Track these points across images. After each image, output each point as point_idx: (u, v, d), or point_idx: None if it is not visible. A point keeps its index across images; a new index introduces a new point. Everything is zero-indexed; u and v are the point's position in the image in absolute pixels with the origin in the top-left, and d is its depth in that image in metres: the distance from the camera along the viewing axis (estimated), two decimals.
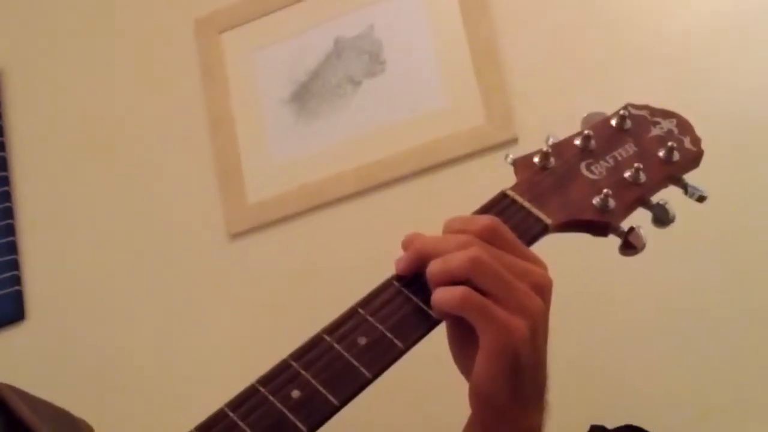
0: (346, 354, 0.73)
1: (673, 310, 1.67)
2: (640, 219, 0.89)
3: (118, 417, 1.91)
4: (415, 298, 0.77)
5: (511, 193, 0.86)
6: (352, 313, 0.76)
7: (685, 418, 1.60)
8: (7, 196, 2.09)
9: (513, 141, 1.77)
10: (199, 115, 2.04)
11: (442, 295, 0.75)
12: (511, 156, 0.90)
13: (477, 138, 1.82)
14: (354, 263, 1.76)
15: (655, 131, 0.94)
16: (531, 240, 0.83)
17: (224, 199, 1.97)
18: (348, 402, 0.71)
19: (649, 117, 0.95)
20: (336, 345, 0.74)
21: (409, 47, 1.94)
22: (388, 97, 1.92)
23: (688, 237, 1.68)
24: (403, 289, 0.77)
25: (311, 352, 0.74)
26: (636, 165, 0.89)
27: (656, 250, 1.69)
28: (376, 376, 0.73)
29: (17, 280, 2.03)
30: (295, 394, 0.71)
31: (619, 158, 0.91)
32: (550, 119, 0.97)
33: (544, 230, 0.84)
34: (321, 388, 0.71)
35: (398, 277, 0.78)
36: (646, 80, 1.75)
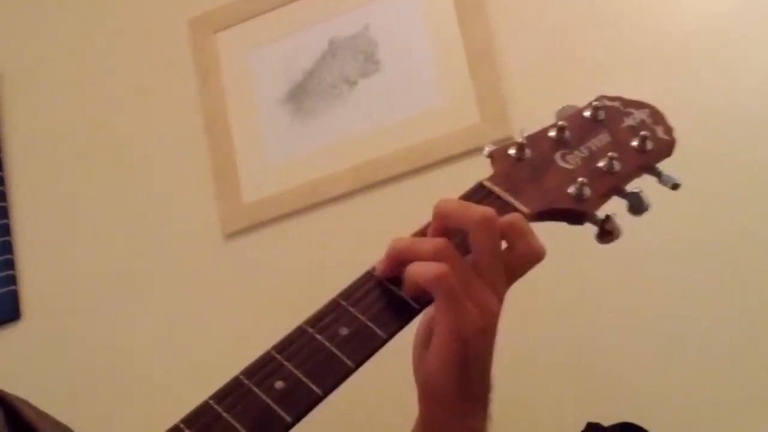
0: (328, 344, 0.74)
1: (668, 309, 1.67)
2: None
3: (114, 416, 1.91)
4: (395, 289, 0.78)
5: (488, 183, 0.88)
6: (333, 304, 0.77)
7: (681, 415, 1.61)
8: (2, 196, 2.09)
9: (508, 140, 1.77)
10: (194, 114, 2.04)
11: (419, 267, 0.76)
12: (487, 148, 0.92)
13: (472, 137, 1.82)
14: (349, 262, 1.76)
15: (628, 121, 0.95)
16: None
17: (219, 198, 1.97)
18: (331, 391, 0.72)
19: (621, 108, 0.97)
20: (318, 336, 0.75)
21: (405, 47, 1.95)
22: (384, 96, 1.93)
23: (682, 236, 1.69)
24: (383, 280, 0.78)
25: (294, 343, 0.74)
26: (610, 154, 0.90)
27: (651, 249, 1.70)
28: (358, 365, 0.74)
29: (13, 280, 2.03)
30: (279, 385, 0.72)
31: (594, 148, 0.92)
32: (545, 118, 0.98)
33: None
34: (304, 379, 0.72)
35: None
36: (641, 79, 1.75)
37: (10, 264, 2.04)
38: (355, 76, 1.96)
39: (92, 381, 1.94)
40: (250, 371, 0.73)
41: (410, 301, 0.77)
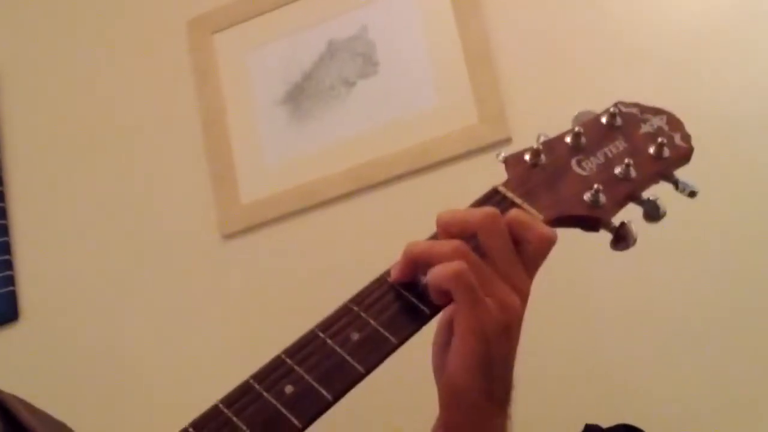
0: (339, 349, 0.74)
1: (668, 312, 1.67)
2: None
3: (112, 417, 1.91)
4: (407, 294, 0.78)
5: (502, 189, 0.87)
6: (345, 309, 0.77)
7: (680, 417, 1.61)
8: (1, 197, 2.09)
9: (506, 141, 1.78)
10: (192, 115, 2.04)
11: (438, 269, 0.76)
12: (502, 154, 0.91)
13: (470, 138, 1.82)
14: (347, 263, 1.77)
15: (646, 128, 0.95)
16: None
17: (217, 199, 1.97)
18: (341, 397, 0.72)
19: (639, 114, 0.96)
20: (329, 341, 0.74)
21: (402, 48, 1.95)
22: (382, 97, 1.93)
23: (680, 237, 1.68)
24: (396, 285, 0.78)
25: (305, 348, 0.74)
26: (626, 161, 0.90)
27: (650, 250, 1.70)
28: (369, 370, 0.73)
29: (11, 281, 2.03)
30: (289, 389, 0.71)
31: (610, 155, 0.92)
32: (543, 119, 0.98)
33: None
34: (315, 384, 0.72)
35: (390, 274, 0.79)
36: (639, 79, 1.76)
37: (9, 264, 2.04)
38: (353, 78, 1.96)
39: (90, 381, 1.94)
40: (260, 375, 0.73)
41: (422, 306, 0.77)
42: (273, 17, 2.05)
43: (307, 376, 0.72)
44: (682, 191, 0.92)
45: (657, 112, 0.97)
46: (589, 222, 0.88)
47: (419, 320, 0.77)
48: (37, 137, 2.16)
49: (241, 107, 2.02)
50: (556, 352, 1.69)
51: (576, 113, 0.96)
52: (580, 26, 1.86)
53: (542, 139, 0.92)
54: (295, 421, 0.70)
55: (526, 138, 0.93)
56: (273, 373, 0.73)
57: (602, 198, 0.87)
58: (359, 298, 0.78)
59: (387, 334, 0.75)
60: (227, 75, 2.05)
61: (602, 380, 1.67)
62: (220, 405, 0.71)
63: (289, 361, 0.73)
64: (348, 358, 0.73)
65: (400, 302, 0.77)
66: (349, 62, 1.97)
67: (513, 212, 0.82)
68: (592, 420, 1.53)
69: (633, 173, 0.90)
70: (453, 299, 0.77)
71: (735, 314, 1.63)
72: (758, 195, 1.69)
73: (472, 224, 0.79)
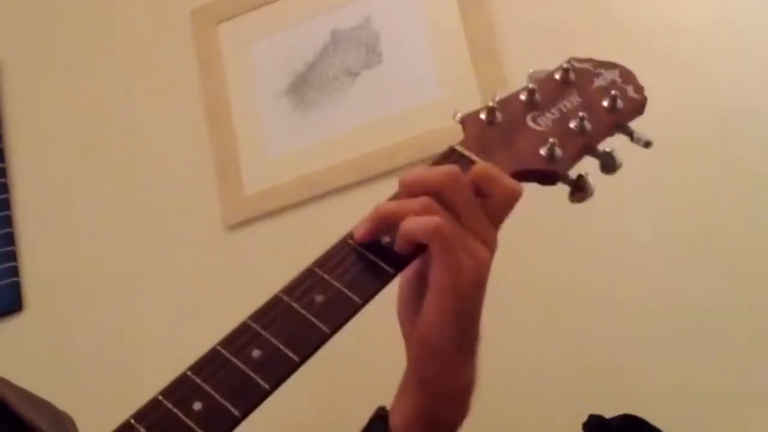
0: (304, 312, 0.75)
1: (670, 304, 1.67)
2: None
3: (116, 407, 1.91)
4: (370, 255, 0.79)
5: (459, 148, 0.89)
6: (308, 272, 0.79)
7: (683, 408, 1.61)
8: (4, 188, 2.09)
9: None
10: (195, 106, 2.04)
11: (415, 221, 0.77)
12: (459, 114, 0.92)
13: None
14: None
15: (599, 82, 0.97)
16: None
17: (221, 190, 1.97)
18: (308, 358, 0.73)
19: (592, 69, 0.98)
20: (294, 304, 0.76)
21: (406, 39, 1.94)
22: (386, 88, 1.92)
23: (683, 230, 1.69)
24: (358, 247, 0.80)
25: (270, 312, 0.76)
26: (581, 114, 0.91)
27: (652, 243, 1.70)
28: (334, 331, 0.75)
29: (15, 271, 2.03)
30: (256, 353, 0.73)
31: (564, 109, 0.93)
32: None
33: None
34: (281, 346, 0.73)
35: (352, 236, 0.81)
36: (643, 71, 1.74)
37: (12, 256, 2.04)
38: (356, 68, 1.96)
39: (94, 372, 1.94)
40: (227, 341, 0.74)
41: (385, 266, 0.78)
42: (277, 8, 2.04)
43: (273, 340, 0.73)
44: (638, 142, 0.93)
45: (610, 65, 0.99)
46: (546, 175, 0.89)
47: (382, 279, 0.78)
48: (41, 129, 2.16)
49: (245, 98, 2.02)
50: (559, 343, 1.69)
51: (531, 70, 0.97)
52: (585, 18, 1.85)
53: (497, 97, 0.94)
54: (264, 384, 0.71)
55: None
56: (240, 338, 0.74)
57: (558, 151, 0.89)
58: (322, 261, 0.79)
59: (350, 294, 0.76)
60: (231, 65, 2.04)
61: (606, 371, 1.67)
62: (189, 372, 0.73)
63: (254, 325, 0.75)
64: (313, 319, 0.75)
65: (362, 263, 0.79)
66: (352, 53, 1.97)
67: (478, 165, 0.83)
68: (596, 410, 1.53)
69: (588, 126, 0.91)
70: (419, 253, 0.78)
71: (737, 308, 1.63)
72: (762, 191, 1.69)
73: (435, 182, 0.80)
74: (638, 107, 0.96)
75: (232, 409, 0.69)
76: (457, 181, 0.80)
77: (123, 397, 1.93)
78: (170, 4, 2.14)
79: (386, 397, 0.91)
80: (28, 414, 0.94)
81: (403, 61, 1.93)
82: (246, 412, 0.70)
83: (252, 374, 0.71)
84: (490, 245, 0.80)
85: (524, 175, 0.88)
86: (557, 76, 0.96)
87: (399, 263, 0.79)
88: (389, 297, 0.82)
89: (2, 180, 2.10)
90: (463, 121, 0.93)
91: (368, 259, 0.79)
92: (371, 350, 1.64)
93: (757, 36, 1.75)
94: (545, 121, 0.92)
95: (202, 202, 1.98)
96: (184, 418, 0.70)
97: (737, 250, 1.67)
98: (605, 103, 0.94)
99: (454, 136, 1.87)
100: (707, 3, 1.80)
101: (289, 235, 1.92)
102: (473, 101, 1.83)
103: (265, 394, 0.71)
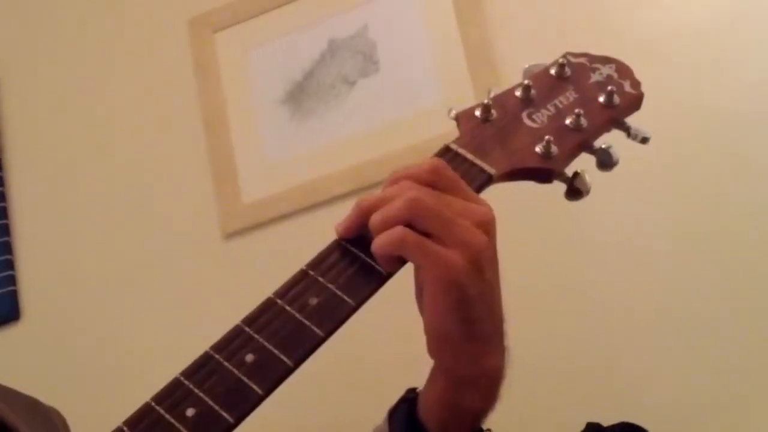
0: (297, 315, 0.75)
1: (669, 309, 1.67)
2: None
3: (114, 416, 1.91)
4: (363, 256, 0.78)
5: (454, 146, 0.88)
6: (301, 275, 0.78)
7: (682, 416, 1.60)
8: (2, 197, 2.09)
9: None
10: (193, 114, 2.04)
11: (381, 239, 0.76)
12: (453, 111, 0.92)
13: None
14: None
15: (595, 77, 0.96)
16: (476, 190, 0.84)
17: (218, 198, 1.97)
18: (302, 362, 0.72)
19: (588, 64, 0.97)
20: (287, 307, 0.75)
21: (404, 47, 1.94)
22: (383, 96, 1.92)
23: (684, 236, 1.68)
24: (351, 248, 0.79)
25: (263, 315, 0.75)
26: (577, 111, 0.90)
27: (653, 249, 1.70)
28: (329, 334, 0.74)
29: (12, 280, 2.03)
30: (249, 358, 0.72)
31: (560, 106, 0.92)
32: None
33: (489, 180, 0.86)
34: (275, 350, 0.72)
35: (346, 238, 0.79)
36: (642, 78, 1.75)
37: (10, 264, 2.04)
38: (354, 76, 1.96)
39: (92, 381, 1.94)
40: (220, 345, 0.74)
41: (378, 267, 0.77)
42: (274, 16, 2.05)
43: (266, 344, 0.73)
44: (634, 138, 0.92)
45: (606, 60, 0.98)
46: (542, 173, 0.89)
47: (376, 281, 0.77)
48: (38, 136, 2.16)
49: (242, 106, 2.02)
50: (557, 350, 1.69)
51: (526, 66, 0.96)
52: (582, 25, 1.85)
53: (492, 94, 0.92)
54: (257, 389, 0.70)
55: None
56: (232, 342, 0.74)
57: (554, 149, 0.88)
58: (315, 263, 0.79)
59: (345, 296, 0.76)
60: (228, 74, 2.05)
61: (604, 379, 1.67)
62: (181, 377, 0.72)
63: (247, 329, 0.74)
64: (307, 322, 0.74)
65: (356, 264, 0.78)
66: (349, 61, 1.97)
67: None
68: (594, 419, 1.53)
69: (584, 122, 0.90)
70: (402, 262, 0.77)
71: (740, 312, 1.63)
72: (763, 193, 1.69)
73: (422, 177, 0.79)
74: (635, 102, 0.95)
75: (225, 414, 0.69)
76: (443, 171, 0.79)
77: (121, 404, 1.92)
78: (168, 13, 2.14)
79: (388, 395, 0.90)
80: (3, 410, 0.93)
81: (401, 70, 1.93)
82: (240, 418, 0.69)
83: (245, 379, 0.71)
84: (485, 224, 0.78)
85: (519, 174, 0.88)
86: (553, 72, 0.95)
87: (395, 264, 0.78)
88: (388, 293, 0.81)
89: (0, 189, 2.10)
90: (458, 118, 0.92)
91: (362, 261, 0.78)
92: (371, 348, 1.64)
93: (760, 36, 1.75)
94: (541, 117, 0.91)
95: (200, 211, 1.98)
96: (176, 424, 0.69)
97: (744, 253, 1.66)
98: (601, 99, 0.93)
99: None
100: (708, 9, 1.80)
101: (286, 243, 1.92)
102: None
103: (259, 399, 0.70)
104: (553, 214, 1.66)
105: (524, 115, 0.91)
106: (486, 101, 0.91)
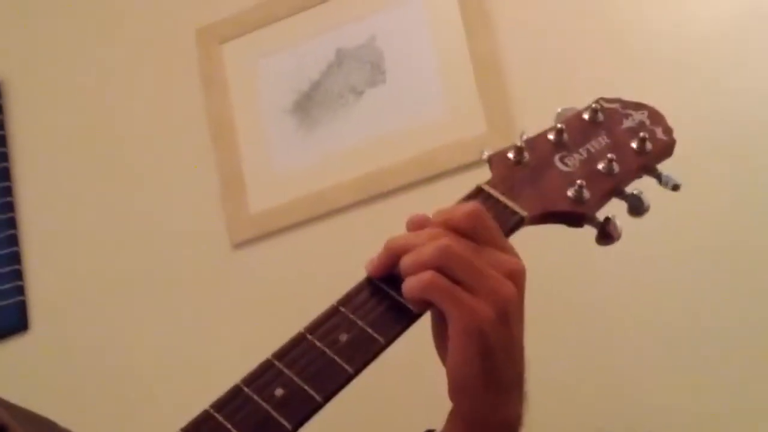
0: (327, 351, 0.74)
1: (675, 318, 1.67)
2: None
3: (122, 426, 1.91)
4: (394, 293, 0.78)
5: (486, 187, 0.88)
6: (332, 311, 0.78)
7: (690, 425, 1.60)
8: (10, 207, 2.10)
9: None
10: (200, 125, 2.04)
11: (410, 282, 0.76)
12: (486, 152, 0.92)
13: (479, 147, 1.79)
14: (356, 272, 1.76)
15: (627, 123, 0.96)
16: (507, 232, 0.84)
17: (226, 208, 1.97)
18: (331, 398, 0.72)
19: (620, 109, 0.97)
20: (317, 342, 0.75)
21: (411, 57, 1.95)
22: (390, 106, 1.93)
23: (689, 243, 1.68)
24: (382, 285, 0.79)
25: (293, 350, 0.75)
26: (609, 156, 0.91)
27: (663, 260, 1.70)
28: (358, 371, 0.74)
29: (21, 290, 2.03)
30: (279, 392, 0.72)
31: (593, 150, 0.92)
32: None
33: (520, 222, 0.86)
34: (304, 385, 0.72)
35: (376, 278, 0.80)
36: (648, 89, 1.75)
37: (18, 275, 2.05)
38: (361, 86, 1.96)
39: (99, 391, 1.94)
40: (250, 379, 0.73)
41: (409, 306, 0.77)
42: (281, 26, 2.05)
43: (296, 378, 0.73)
44: (665, 185, 0.92)
45: (638, 107, 0.98)
46: (574, 217, 0.89)
47: (407, 319, 0.77)
48: (45, 148, 2.17)
49: (250, 116, 2.02)
50: (566, 360, 1.69)
51: (559, 109, 0.97)
52: (589, 36, 1.85)
53: (525, 136, 0.93)
54: (286, 424, 0.70)
55: None
56: (262, 376, 0.73)
57: (586, 193, 0.88)
58: (347, 299, 0.78)
59: (375, 334, 0.76)
60: (236, 84, 2.05)
61: (613, 388, 1.66)
62: (211, 410, 0.72)
63: (278, 363, 0.74)
64: (337, 359, 0.74)
65: (387, 302, 0.78)
66: (357, 71, 1.97)
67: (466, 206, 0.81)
68: (601, 429, 1.53)
69: (616, 168, 0.90)
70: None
71: (749, 323, 1.63)
72: (766, 199, 1.69)
73: (461, 225, 0.79)
74: (667, 149, 0.95)
75: None
76: (478, 217, 0.79)
77: (129, 415, 1.93)
78: (175, 23, 2.14)
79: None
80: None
81: (408, 80, 1.93)
82: None
83: (274, 413, 0.71)
84: (515, 275, 0.78)
85: (551, 217, 0.88)
86: (585, 116, 0.95)
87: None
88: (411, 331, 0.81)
89: (8, 199, 2.10)
90: (491, 160, 0.92)
91: (392, 298, 0.78)
92: (392, 387, 1.64)
93: (763, 42, 1.75)
94: (573, 161, 0.91)
95: (208, 221, 1.98)
96: None
97: (750, 262, 1.66)
98: (634, 145, 0.93)
99: (459, 154, 1.88)
100: (712, 15, 1.80)
101: (294, 253, 1.92)
102: (477, 119, 1.85)
103: None
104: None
105: (556, 158, 0.91)
106: (519, 143, 0.92)
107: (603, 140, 0.93)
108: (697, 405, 1.61)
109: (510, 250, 0.80)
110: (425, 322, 0.80)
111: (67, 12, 2.25)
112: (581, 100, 1.76)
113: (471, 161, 1.82)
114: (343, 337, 0.75)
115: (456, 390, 0.79)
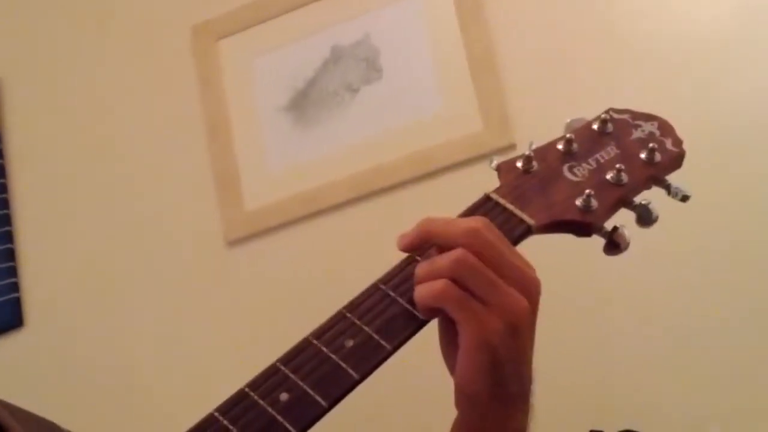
0: (333, 356, 0.74)
1: (672, 317, 1.67)
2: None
3: (117, 423, 1.91)
4: (401, 300, 0.78)
5: (494, 195, 0.88)
6: (339, 316, 0.77)
7: (684, 423, 1.60)
8: (5, 204, 2.09)
9: (510, 147, 1.77)
10: (196, 122, 2.04)
11: (423, 289, 0.77)
12: (495, 161, 0.92)
13: (474, 145, 1.82)
14: (351, 269, 1.77)
15: (637, 134, 0.96)
16: (515, 241, 0.84)
17: (221, 206, 1.97)
18: (336, 403, 0.72)
19: (630, 120, 0.97)
20: (323, 348, 0.75)
21: (406, 54, 1.95)
22: (386, 104, 1.93)
23: (689, 244, 1.69)
24: (389, 291, 0.79)
25: (299, 355, 0.75)
26: (618, 166, 0.91)
27: (659, 259, 1.70)
28: (364, 377, 0.74)
29: (15, 287, 2.03)
30: (284, 397, 0.72)
31: (602, 160, 0.93)
32: (548, 126, 0.98)
33: (528, 231, 0.86)
34: (309, 391, 0.72)
35: (384, 281, 0.80)
36: (644, 86, 1.75)
37: (13, 271, 2.04)
38: (357, 84, 1.96)
39: (95, 388, 1.94)
40: (256, 383, 0.73)
41: (416, 312, 0.77)
42: (277, 24, 2.05)
43: (301, 383, 0.73)
44: (675, 196, 0.92)
45: (648, 117, 0.98)
46: (582, 227, 0.89)
47: (413, 326, 0.77)
48: (41, 144, 2.17)
49: (245, 113, 2.02)
50: (560, 358, 1.69)
51: (569, 120, 0.97)
52: (585, 33, 1.86)
53: (534, 146, 0.93)
54: (291, 428, 0.70)
55: None
56: (268, 380, 0.73)
57: (594, 203, 0.88)
58: (353, 305, 0.78)
59: (381, 340, 0.76)
60: (231, 81, 2.05)
61: (607, 387, 1.67)
62: (216, 414, 0.71)
63: (283, 368, 0.74)
64: (342, 364, 0.74)
65: (393, 308, 0.78)
66: (352, 68, 1.97)
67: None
68: (596, 426, 1.53)
69: (625, 178, 0.90)
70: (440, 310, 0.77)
71: (744, 321, 1.63)
72: (765, 200, 1.69)
73: (454, 239, 0.78)
74: (676, 160, 0.95)
75: None
76: (478, 238, 0.78)
77: (123, 412, 1.93)
78: (171, 20, 2.14)
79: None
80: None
81: (403, 77, 1.94)
82: None
83: (279, 418, 0.71)
84: (528, 289, 0.78)
85: (559, 226, 0.88)
86: (595, 127, 0.95)
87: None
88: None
89: (2, 195, 2.10)
90: (499, 168, 0.92)
91: (399, 305, 0.78)
92: (395, 392, 1.64)
93: (762, 44, 1.75)
94: (582, 171, 0.91)
95: (203, 218, 1.98)
96: None
97: (748, 262, 1.66)
98: (643, 156, 0.93)
99: (455, 151, 1.88)
100: (709, 17, 1.81)
101: (289, 250, 1.92)
102: (473, 116, 1.85)
103: None
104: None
105: (565, 168, 0.91)
106: (528, 153, 0.92)
107: (612, 150, 0.93)
108: (696, 405, 1.61)
109: (525, 264, 0.80)
110: (430, 327, 0.80)
111: (62, 10, 2.24)
112: (577, 97, 1.78)
113: (466, 158, 1.82)
114: (349, 343, 0.75)
115: (463, 400, 0.79)
